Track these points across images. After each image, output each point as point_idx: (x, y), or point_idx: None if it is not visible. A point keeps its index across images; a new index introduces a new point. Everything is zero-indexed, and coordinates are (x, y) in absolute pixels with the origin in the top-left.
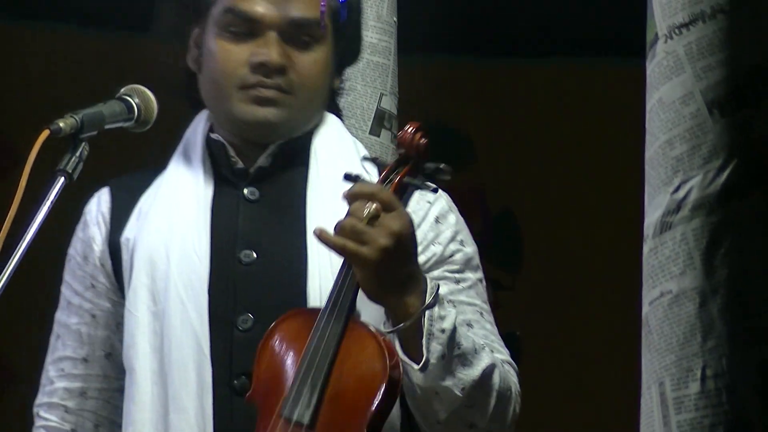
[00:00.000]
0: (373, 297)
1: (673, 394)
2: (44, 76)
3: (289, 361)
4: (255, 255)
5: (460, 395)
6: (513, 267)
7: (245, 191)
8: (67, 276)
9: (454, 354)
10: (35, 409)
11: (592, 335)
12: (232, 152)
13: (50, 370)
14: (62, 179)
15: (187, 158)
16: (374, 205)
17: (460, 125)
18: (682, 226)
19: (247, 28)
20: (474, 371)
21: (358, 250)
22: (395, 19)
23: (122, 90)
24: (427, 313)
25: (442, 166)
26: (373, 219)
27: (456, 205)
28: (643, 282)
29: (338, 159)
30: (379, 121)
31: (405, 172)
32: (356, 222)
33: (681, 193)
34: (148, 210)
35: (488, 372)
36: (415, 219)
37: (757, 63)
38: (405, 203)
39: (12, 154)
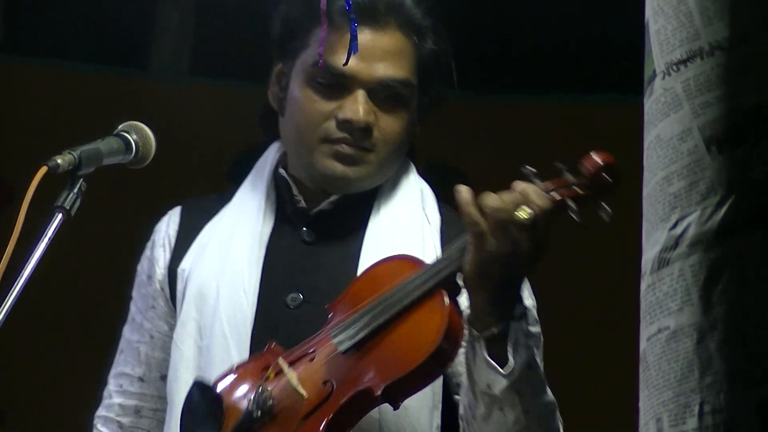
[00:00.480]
0: (476, 284)
1: (671, 430)
2: (41, 112)
3: (370, 295)
4: (302, 298)
5: (524, 418)
6: None
7: (303, 232)
8: (134, 291)
9: (533, 375)
10: (94, 420)
11: (591, 370)
12: (295, 191)
13: (111, 384)
14: (60, 216)
15: (253, 190)
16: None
17: (457, 163)
18: (680, 263)
19: (336, 82)
20: (546, 398)
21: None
22: None
23: (120, 126)
24: (514, 324)
25: (607, 212)
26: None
27: None
28: (641, 318)
29: (400, 208)
30: None
31: (573, 197)
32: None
33: (679, 230)
34: (207, 242)
35: (553, 407)
36: None
37: (757, 101)
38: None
39: (9, 191)
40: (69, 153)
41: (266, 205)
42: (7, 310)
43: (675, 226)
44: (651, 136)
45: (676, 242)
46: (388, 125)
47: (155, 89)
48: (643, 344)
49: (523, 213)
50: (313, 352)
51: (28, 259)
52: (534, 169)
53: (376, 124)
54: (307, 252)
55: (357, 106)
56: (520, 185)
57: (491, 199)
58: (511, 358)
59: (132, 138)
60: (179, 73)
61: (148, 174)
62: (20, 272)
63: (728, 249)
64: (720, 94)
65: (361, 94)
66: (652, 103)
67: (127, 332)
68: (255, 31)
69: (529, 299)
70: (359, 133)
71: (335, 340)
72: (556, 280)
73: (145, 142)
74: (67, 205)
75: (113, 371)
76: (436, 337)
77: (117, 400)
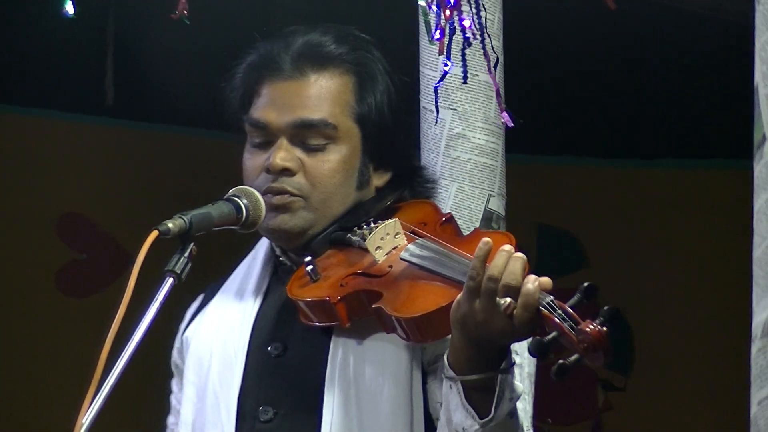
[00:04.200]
0: (456, 327)
1: None
2: (155, 177)
3: (458, 249)
4: (282, 348)
5: None
6: (624, 369)
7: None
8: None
9: (511, 423)
10: None
11: None
12: (278, 251)
13: None
14: (171, 280)
15: (255, 255)
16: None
17: (569, 227)
18: None
19: (264, 136)
20: None
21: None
22: (503, 120)
23: (231, 191)
24: (501, 377)
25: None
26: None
27: None
28: (752, 382)
29: None
30: (487, 222)
31: (562, 333)
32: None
33: None
34: (208, 307)
35: None
36: None
37: None
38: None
39: (124, 256)
40: (180, 217)
41: (264, 267)
42: (119, 374)
43: None
44: (761, 200)
45: None
46: (315, 167)
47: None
48: (753, 408)
49: (504, 302)
50: (399, 236)
51: (139, 323)
52: (551, 297)
53: (301, 168)
54: (291, 305)
55: (275, 152)
56: (526, 284)
57: (496, 269)
58: (493, 411)
59: (242, 202)
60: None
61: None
62: (131, 336)
63: None
64: None
65: (281, 141)
66: (761, 167)
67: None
68: None
69: (517, 357)
70: (280, 178)
71: (409, 246)
72: (664, 343)
73: (255, 206)
74: (177, 270)
75: None
76: (423, 310)
77: None
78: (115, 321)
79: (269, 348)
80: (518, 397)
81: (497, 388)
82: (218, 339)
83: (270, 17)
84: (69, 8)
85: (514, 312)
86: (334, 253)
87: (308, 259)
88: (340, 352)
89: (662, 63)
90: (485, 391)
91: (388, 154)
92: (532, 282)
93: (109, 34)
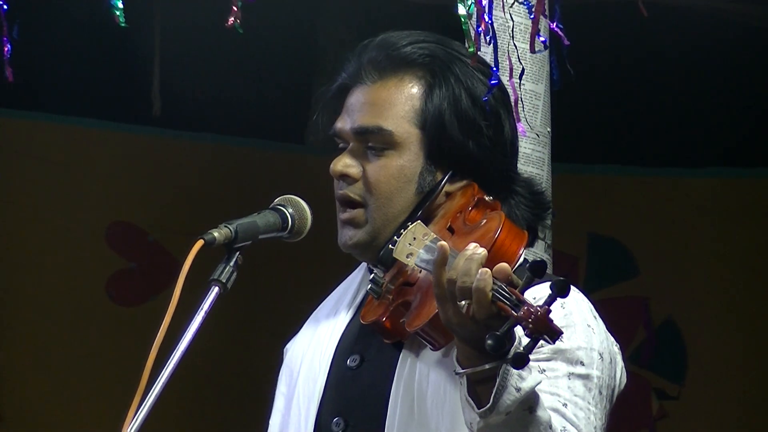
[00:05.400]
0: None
1: None
2: (203, 186)
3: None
4: (360, 360)
5: None
6: (677, 377)
7: None
8: None
9: (526, 420)
10: None
11: None
12: (370, 265)
13: None
14: (216, 289)
15: (360, 268)
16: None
17: (619, 236)
18: None
19: (342, 142)
20: None
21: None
22: (549, 129)
23: (276, 200)
24: (504, 366)
25: (529, 358)
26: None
27: (611, 314)
28: None
29: None
30: None
31: (524, 322)
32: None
33: None
34: (308, 321)
35: None
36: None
37: None
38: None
39: (174, 264)
40: (225, 227)
41: (361, 279)
42: (164, 382)
43: None
44: None
45: None
46: (372, 172)
47: (311, 163)
48: None
49: (463, 305)
50: (426, 237)
51: (185, 332)
52: (504, 285)
53: (362, 174)
54: None
55: (337, 158)
56: (476, 281)
57: (453, 272)
58: (491, 399)
59: (288, 212)
60: (335, 147)
61: (306, 245)
62: (177, 345)
63: None
64: None
65: (349, 147)
66: None
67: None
68: None
69: (572, 341)
70: (341, 184)
71: (420, 251)
72: (716, 352)
73: (301, 215)
74: (223, 279)
75: None
76: (421, 322)
77: None
78: (160, 330)
79: (348, 361)
80: (530, 389)
81: (498, 378)
82: (309, 351)
83: (315, 30)
84: (120, 18)
85: (473, 311)
86: (399, 263)
87: (371, 276)
88: (407, 366)
89: (712, 72)
90: (489, 383)
91: (454, 161)
92: (481, 276)
93: (155, 45)
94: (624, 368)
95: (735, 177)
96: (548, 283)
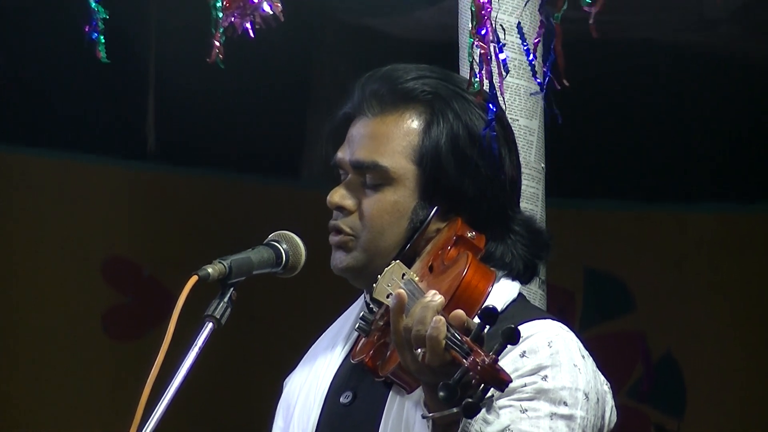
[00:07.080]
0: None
1: None
2: (198, 220)
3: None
4: (353, 397)
5: None
6: (677, 411)
7: None
8: None
9: None
10: None
11: None
12: (367, 297)
13: None
14: (210, 325)
15: (359, 300)
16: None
17: (616, 271)
18: None
19: (342, 173)
20: None
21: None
22: (543, 165)
23: (270, 236)
24: (465, 421)
25: (482, 404)
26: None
27: (608, 349)
28: None
29: None
30: None
31: (472, 372)
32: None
33: None
34: (306, 354)
35: None
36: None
37: None
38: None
39: (169, 299)
40: (219, 262)
41: (359, 312)
42: (158, 419)
43: None
44: None
45: None
46: (367, 206)
47: (306, 197)
48: None
49: (418, 353)
50: (406, 276)
51: (178, 368)
52: (457, 332)
53: (358, 207)
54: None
55: (334, 189)
56: (429, 330)
57: (409, 320)
58: None
59: (282, 248)
60: (330, 181)
61: (302, 276)
62: (170, 381)
63: None
64: None
65: (347, 179)
66: None
67: None
68: None
69: (555, 381)
70: (336, 215)
71: (393, 292)
72: (715, 386)
73: (296, 251)
74: (217, 315)
75: None
76: (387, 370)
77: None
78: (154, 366)
79: (341, 397)
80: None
81: (461, 423)
82: (305, 386)
83: (311, 63)
84: (102, 54)
85: (428, 359)
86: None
87: (361, 314)
88: (396, 404)
89: (709, 107)
90: (454, 427)
91: (449, 197)
92: (434, 324)
93: (150, 80)
94: (614, 407)
95: (732, 212)
96: (548, 320)
